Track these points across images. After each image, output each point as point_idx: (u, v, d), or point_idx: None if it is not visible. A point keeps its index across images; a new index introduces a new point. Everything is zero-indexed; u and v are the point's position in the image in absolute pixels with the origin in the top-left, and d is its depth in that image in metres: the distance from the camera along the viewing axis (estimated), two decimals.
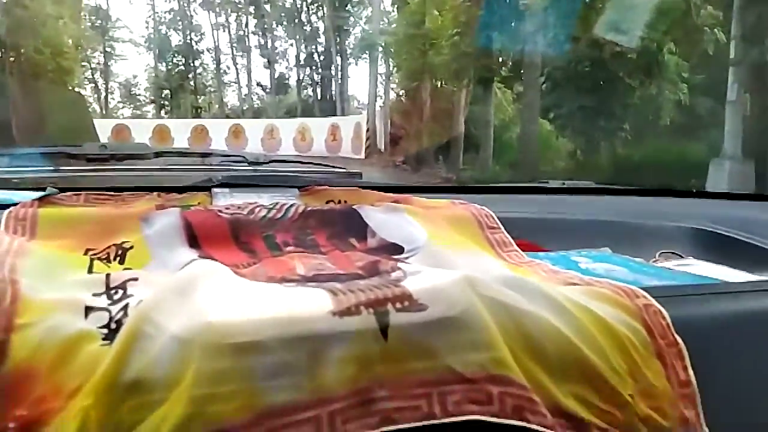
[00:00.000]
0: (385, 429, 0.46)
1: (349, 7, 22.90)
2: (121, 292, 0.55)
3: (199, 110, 23.66)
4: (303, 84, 24.95)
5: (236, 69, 24.82)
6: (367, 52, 17.38)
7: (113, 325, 0.49)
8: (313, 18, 23.85)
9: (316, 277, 0.61)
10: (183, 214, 0.75)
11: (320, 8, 23.34)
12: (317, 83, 24.36)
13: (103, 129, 15.20)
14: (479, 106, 12.83)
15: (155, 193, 0.85)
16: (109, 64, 22.94)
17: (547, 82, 10.48)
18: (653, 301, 0.60)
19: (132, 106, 24.26)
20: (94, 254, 0.67)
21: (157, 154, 0.88)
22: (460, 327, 0.50)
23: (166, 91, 23.67)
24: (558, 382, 0.52)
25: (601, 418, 0.52)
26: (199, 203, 0.86)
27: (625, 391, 0.53)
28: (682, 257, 0.90)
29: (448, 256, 0.70)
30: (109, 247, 0.69)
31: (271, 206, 0.81)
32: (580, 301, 0.58)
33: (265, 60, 24.75)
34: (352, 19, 23.22)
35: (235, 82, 25.24)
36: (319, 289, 0.52)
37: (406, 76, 14.78)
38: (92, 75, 21.97)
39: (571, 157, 10.59)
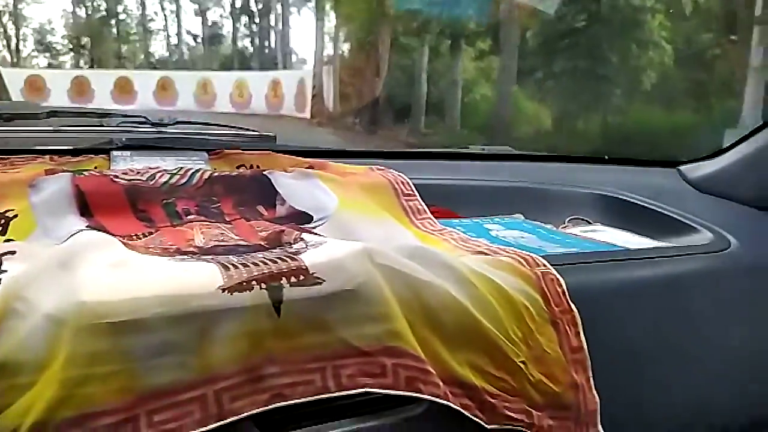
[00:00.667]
0: (276, 405, 0.45)
1: None
2: None
3: (122, 60, 21.12)
4: (239, 34, 22.64)
5: (164, 16, 22.17)
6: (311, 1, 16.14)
7: None
8: None
9: (213, 249, 0.58)
10: (75, 179, 0.70)
11: None
12: (255, 34, 22.05)
13: (15, 80, 14.04)
14: (442, 63, 11.82)
15: (47, 157, 0.79)
16: (19, 7, 19.93)
17: (530, 41, 9.54)
18: (552, 269, 0.61)
19: (48, 55, 21.27)
20: None
21: (51, 114, 0.81)
22: (357, 300, 0.49)
23: (86, 39, 20.84)
24: (454, 351, 0.52)
25: (493, 384, 0.53)
26: (95, 167, 0.80)
27: (517, 358, 0.54)
28: (590, 223, 0.93)
29: (355, 225, 0.69)
30: None
31: (174, 171, 0.77)
32: (481, 270, 0.58)
33: (196, 6, 22.41)
34: None
35: (163, 30, 22.92)
36: (212, 264, 0.50)
37: (360, 28, 13.60)
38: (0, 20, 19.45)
39: (554, 126, 9.49)
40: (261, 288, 0.47)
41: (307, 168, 0.86)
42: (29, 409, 0.40)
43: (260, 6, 21.72)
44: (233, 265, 0.50)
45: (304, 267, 0.50)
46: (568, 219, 0.93)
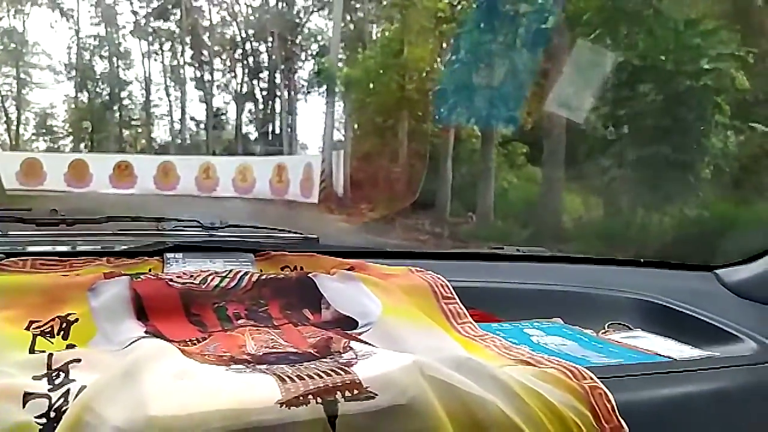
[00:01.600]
0: None
1: (300, 39, 20.82)
2: (62, 375, 0.53)
3: (123, 145, 20.82)
4: (243, 120, 22.41)
5: (169, 101, 21.81)
6: (324, 85, 15.32)
7: (52, 414, 0.47)
8: (261, 48, 21.60)
9: (265, 358, 0.60)
10: (132, 284, 0.74)
11: (267, 39, 20.96)
12: (261, 119, 21.83)
13: (12, 162, 14.30)
14: (468, 146, 11.00)
15: (105, 259, 0.83)
16: (22, 92, 19.97)
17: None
18: (599, 383, 0.61)
19: (48, 138, 21.22)
20: (38, 327, 0.65)
21: (109, 219, 0.87)
22: (409, 415, 0.50)
23: (87, 123, 20.78)
24: None
25: None
26: (150, 270, 0.84)
27: None
28: (630, 329, 0.92)
29: (400, 333, 0.70)
30: (53, 319, 0.67)
31: (224, 274, 0.81)
32: (529, 384, 0.59)
33: (201, 93, 22.09)
34: (303, 51, 21.00)
35: (166, 115, 22.16)
36: (268, 375, 0.52)
37: (376, 111, 13.11)
38: (2, 102, 19.34)
39: (611, 221, 7.89)
40: (317, 402, 0.48)
41: (348, 269, 0.89)
42: None
43: (265, 92, 21.75)
44: (289, 377, 0.51)
45: (357, 381, 0.51)
46: (607, 324, 0.93)
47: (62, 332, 0.65)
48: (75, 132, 20.78)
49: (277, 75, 20.61)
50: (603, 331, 0.92)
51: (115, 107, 21.20)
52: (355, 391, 0.50)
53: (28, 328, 0.65)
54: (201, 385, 0.50)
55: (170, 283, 0.76)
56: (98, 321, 0.68)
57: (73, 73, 20.30)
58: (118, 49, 20.64)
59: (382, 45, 12.97)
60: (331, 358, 0.59)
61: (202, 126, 22.25)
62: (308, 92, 20.62)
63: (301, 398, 0.48)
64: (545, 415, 0.56)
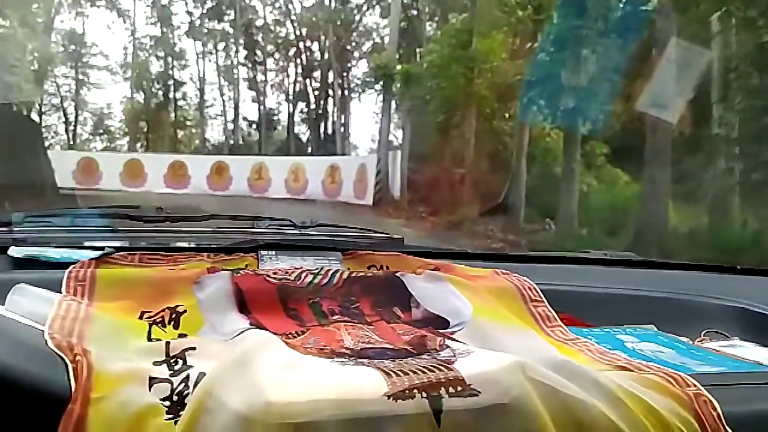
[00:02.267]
0: None
1: (354, 36, 19.97)
2: (180, 362, 0.56)
3: (178, 145, 20.41)
4: (296, 119, 21.51)
5: (222, 101, 21.40)
6: (380, 83, 14.41)
7: (175, 398, 0.51)
8: (314, 47, 20.73)
9: (364, 352, 0.62)
10: (233, 278, 0.77)
11: (321, 38, 20.12)
12: (314, 119, 20.91)
13: (69, 161, 14.48)
14: (545, 146, 9.93)
15: (205, 255, 0.88)
16: (80, 92, 19.95)
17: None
18: (703, 391, 0.59)
19: (105, 138, 21.22)
20: (149, 317, 0.70)
21: (210, 217, 0.91)
22: (512, 414, 0.50)
23: (143, 124, 20.62)
24: None
25: None
26: (246, 265, 0.88)
27: None
28: (728, 337, 0.89)
29: (494, 334, 0.70)
30: (163, 310, 0.71)
31: (317, 271, 0.83)
32: (630, 388, 0.58)
33: (254, 93, 21.46)
34: (357, 49, 20.13)
35: (220, 116, 21.78)
36: (373, 369, 0.53)
37: (438, 108, 11.94)
38: (61, 103, 19.47)
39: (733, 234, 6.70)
40: (422, 397, 0.50)
41: (433, 269, 0.90)
42: None
43: (318, 92, 21.02)
44: (393, 371, 0.53)
45: (461, 378, 0.52)
46: (703, 332, 0.90)
47: (173, 322, 0.70)
48: (131, 132, 20.79)
49: (331, 74, 19.88)
50: (699, 339, 0.89)
51: (170, 107, 20.84)
52: (459, 388, 0.51)
53: (141, 318, 0.69)
54: (310, 375, 0.52)
55: (267, 278, 0.79)
56: (205, 312, 0.72)
57: (129, 73, 20.07)
58: (173, 49, 20.58)
59: (448, 36, 11.75)
60: (428, 355, 0.60)
61: (254, 126, 22.01)
62: (363, 91, 19.87)
63: (407, 392, 0.50)
64: (649, 421, 0.55)
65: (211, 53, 21.06)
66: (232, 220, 0.96)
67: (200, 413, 0.47)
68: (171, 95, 21.09)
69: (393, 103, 13.93)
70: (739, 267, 1.07)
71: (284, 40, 20.97)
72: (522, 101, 9.19)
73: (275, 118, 22.17)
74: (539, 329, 0.80)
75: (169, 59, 20.65)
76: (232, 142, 21.09)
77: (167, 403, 0.50)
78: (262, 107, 21.49)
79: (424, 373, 0.52)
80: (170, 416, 0.48)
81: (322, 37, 19.91)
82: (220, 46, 20.88)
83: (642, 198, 7.64)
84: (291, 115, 21.47)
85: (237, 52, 20.74)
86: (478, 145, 11.18)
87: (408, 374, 0.52)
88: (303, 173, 14.97)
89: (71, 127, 20.07)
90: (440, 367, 0.54)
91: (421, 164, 12.63)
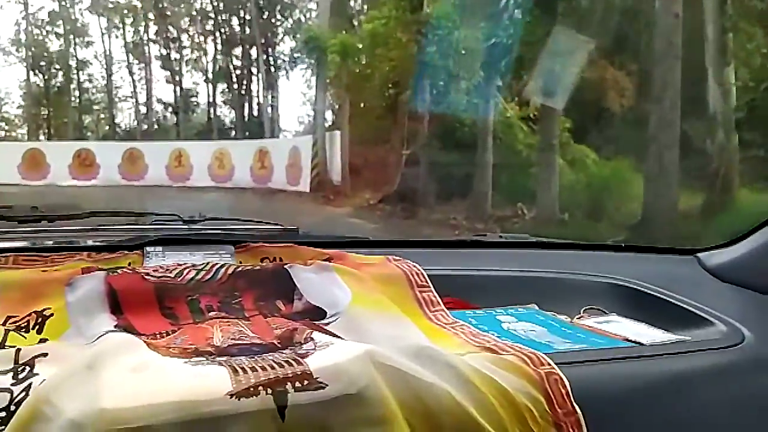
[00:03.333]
0: None
1: (279, 8, 17.79)
2: (27, 369, 0.55)
3: (84, 131, 18.37)
4: (218, 100, 19.30)
5: (133, 82, 18.98)
6: (312, 57, 13.07)
7: (12, 408, 0.49)
8: (234, 20, 18.62)
9: (228, 350, 0.62)
10: (108, 279, 0.76)
11: (241, 10, 18.00)
12: (237, 99, 18.76)
13: None
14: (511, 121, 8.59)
15: (85, 254, 0.85)
16: None
17: None
18: (556, 369, 0.62)
19: (1, 126, 18.63)
20: (14, 322, 0.68)
21: (91, 214, 0.89)
22: (358, 404, 0.52)
23: (43, 109, 18.25)
24: None
25: None
26: (130, 263, 0.86)
27: None
28: (605, 313, 0.93)
29: (365, 322, 0.72)
30: (30, 314, 0.69)
31: (201, 266, 0.82)
32: (485, 371, 0.60)
33: (168, 73, 18.94)
34: (284, 21, 18.07)
35: (130, 98, 19.27)
36: (222, 367, 0.53)
37: (385, 82, 10.80)
38: None
39: None
40: (267, 393, 0.50)
41: (326, 260, 0.90)
42: None
43: (240, 71, 18.82)
44: (242, 368, 0.53)
45: (308, 372, 0.53)
46: (583, 309, 0.94)
47: (37, 326, 0.68)
48: (30, 119, 18.34)
49: (255, 49, 17.77)
50: (578, 316, 0.93)
51: (74, 90, 18.56)
52: (306, 382, 0.51)
53: (4, 323, 0.67)
54: (157, 378, 0.52)
55: (146, 276, 0.78)
56: (72, 315, 0.70)
57: (24, 52, 17.72)
58: (75, 25, 18.23)
59: (393, 0, 10.30)
60: (291, 350, 0.60)
61: (170, 109, 19.63)
62: (292, 67, 18.13)
63: (251, 389, 0.50)
64: (498, 401, 0.57)
65: (117, 28, 18.75)
66: (115, 217, 0.94)
67: (31, 421, 0.46)
68: (74, 76, 18.75)
69: (327, 79, 12.54)
70: (624, 245, 1.12)
71: (200, 12, 18.81)
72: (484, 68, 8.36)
73: (194, 99, 20.10)
74: (421, 314, 0.82)
75: (70, 37, 18.32)
76: (145, 126, 19.02)
77: (3, 414, 0.49)
78: (178, 88, 19.30)
79: (273, 368, 0.53)
80: (2, 428, 0.47)
81: (243, 9, 18.06)
82: (128, 20, 18.62)
83: (648, 178, 6.63)
84: (212, 96, 19.47)
85: (147, 27, 18.70)
86: (433, 121, 9.81)
87: (257, 371, 0.53)
88: (228, 159, 13.65)
89: None
90: (291, 361, 0.54)
91: (364, 146, 11.64)
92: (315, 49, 12.19)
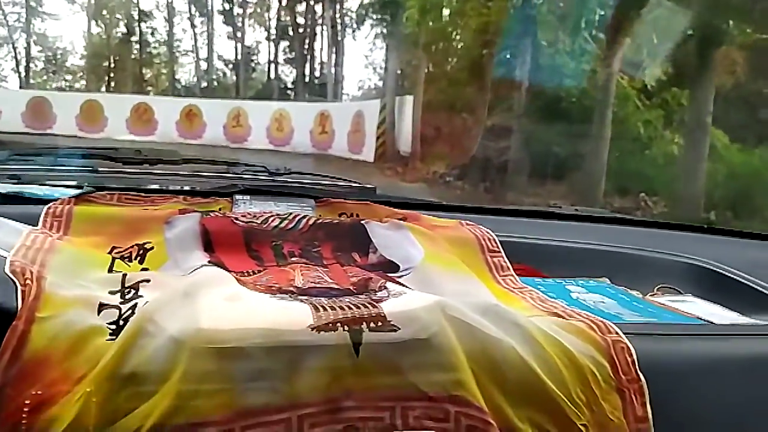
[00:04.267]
0: None
1: None
2: (133, 291, 0.62)
3: (144, 86, 17.63)
4: (279, 59, 18.01)
5: (194, 36, 17.86)
6: (386, 11, 11.54)
7: (121, 322, 0.56)
8: None
9: (309, 291, 0.66)
10: (202, 220, 0.82)
11: None
12: (299, 59, 17.56)
13: (18, 101, 12.93)
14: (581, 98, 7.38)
15: (182, 197, 0.92)
16: (32, 23, 16.87)
17: None
18: (623, 337, 0.63)
19: (61, 77, 18.10)
20: (118, 253, 0.75)
21: (186, 161, 0.96)
22: (428, 349, 0.55)
23: (104, 61, 17.46)
24: (516, 407, 0.56)
25: None
26: (220, 209, 0.93)
27: (578, 421, 0.57)
28: (680, 293, 0.92)
29: (437, 278, 0.75)
30: (132, 246, 0.76)
31: (284, 216, 0.88)
32: (551, 332, 0.62)
33: (230, 29, 17.86)
34: None
35: (191, 52, 18.28)
36: (305, 305, 0.58)
37: (473, 42, 9.32)
38: (10, 35, 16.54)
39: None
40: (344, 330, 0.54)
41: (400, 219, 0.94)
42: (149, 414, 0.49)
43: (303, 28, 17.38)
44: (323, 306, 0.57)
45: (383, 314, 0.56)
46: (657, 287, 0.93)
47: (138, 257, 0.75)
48: (89, 70, 17.51)
49: (320, 5, 16.33)
50: (651, 293, 0.92)
51: (135, 42, 17.74)
52: (380, 323, 0.55)
53: (110, 253, 0.74)
54: (247, 307, 0.57)
55: (235, 221, 0.84)
56: (170, 250, 0.77)
57: (88, 3, 16.72)
58: None
59: None
60: (365, 295, 0.64)
61: (231, 66, 18.56)
62: (359, 25, 16.01)
63: (330, 325, 0.54)
64: (562, 361, 0.59)
65: None
66: (209, 165, 1.00)
67: (137, 335, 0.52)
68: (135, 27, 17.82)
69: (401, 37, 11.16)
70: (705, 227, 1.09)
71: None
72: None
73: (254, 57, 18.92)
74: (490, 277, 0.84)
75: None
76: (205, 83, 18.03)
77: (113, 326, 0.55)
78: (239, 44, 18.12)
79: (350, 309, 0.57)
80: (112, 337, 0.53)
81: None
82: None
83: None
84: (274, 54, 18.11)
85: None
86: (528, 88, 7.93)
87: (335, 309, 0.57)
88: (287, 121, 12.76)
89: (22, 64, 17.04)
90: (367, 304, 0.58)
91: (441, 114, 10.12)
92: (390, 4, 10.94)
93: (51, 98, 13.66)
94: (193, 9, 18.30)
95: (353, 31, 17.32)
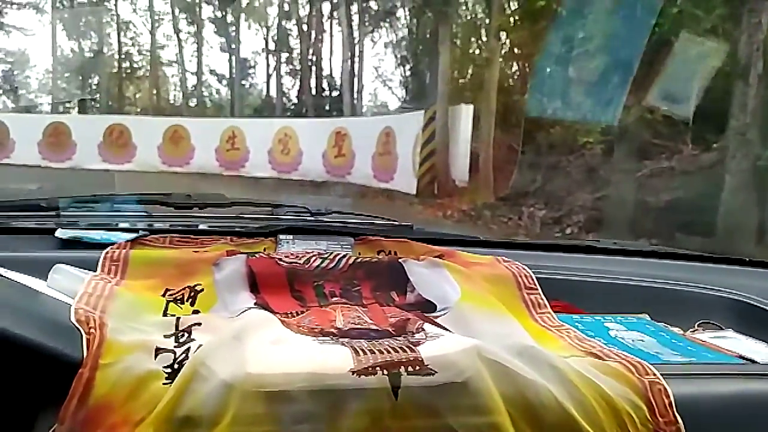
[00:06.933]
0: None
1: None
2: (186, 335, 0.66)
3: (122, 104, 14.83)
4: (282, 70, 14.83)
5: (179, 45, 14.95)
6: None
7: (176, 366, 0.60)
8: None
9: (349, 332, 0.69)
10: (248, 261, 0.86)
11: None
12: (307, 68, 14.26)
13: None
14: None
15: (229, 238, 0.97)
16: None
17: None
18: (660, 379, 0.64)
19: (21, 96, 15.13)
20: (171, 295, 0.79)
21: (233, 203, 1.01)
22: (464, 392, 0.57)
23: (71, 75, 14.42)
24: None
25: None
26: (265, 249, 0.97)
27: None
28: (721, 329, 0.91)
29: (473, 319, 0.76)
30: (184, 288, 0.81)
31: (326, 255, 0.91)
32: (587, 373, 0.63)
33: (223, 40, 14.87)
34: None
35: (176, 63, 15.41)
36: (346, 348, 0.61)
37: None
38: None
39: None
40: (383, 374, 0.57)
41: (437, 257, 0.96)
42: None
43: (309, 25, 13.91)
44: (362, 350, 0.60)
45: (420, 358, 0.59)
46: (698, 323, 0.92)
47: (190, 299, 0.79)
48: (55, 87, 14.19)
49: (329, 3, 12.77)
50: (692, 329, 0.92)
51: (108, 53, 14.63)
52: (417, 368, 0.57)
53: (164, 295, 0.79)
54: (291, 351, 0.60)
55: (279, 262, 0.88)
56: (219, 291, 0.81)
57: (56, 13, 13.69)
58: None
59: None
60: (404, 337, 0.67)
61: (225, 80, 15.45)
62: (378, 24, 12.63)
63: (370, 369, 0.57)
64: (599, 404, 0.60)
65: None
66: (253, 207, 1.05)
67: (191, 380, 0.55)
68: (111, 36, 14.65)
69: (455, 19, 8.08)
70: (747, 260, 1.08)
71: None
72: None
73: (252, 66, 15.54)
74: (527, 315, 0.85)
75: None
76: (194, 101, 15.16)
77: (168, 370, 0.59)
78: (233, 52, 15.00)
79: (389, 353, 0.59)
80: (168, 381, 0.57)
81: None
82: None
83: None
84: (276, 61, 14.54)
85: None
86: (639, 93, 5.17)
87: (375, 353, 0.59)
88: (294, 141, 10.33)
89: None
90: (405, 348, 0.61)
91: (515, 134, 7.13)
92: None
93: (8, 122, 11.53)
94: (178, 12, 15.13)
95: (372, 30, 12.97)
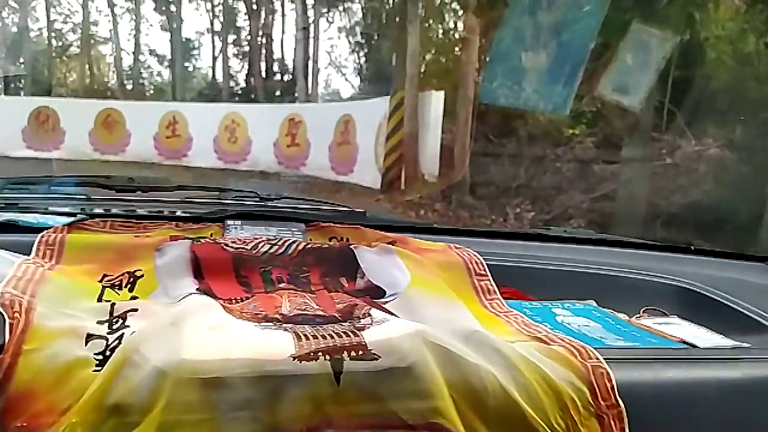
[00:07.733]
0: None
1: None
2: (120, 321, 0.63)
3: (52, 85, 13.44)
4: (230, 51, 13.69)
5: (114, 24, 13.66)
6: None
7: (108, 353, 0.57)
8: None
9: (294, 318, 0.67)
10: (192, 247, 0.83)
11: None
12: (258, 49, 12.95)
13: None
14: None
15: (173, 223, 0.94)
16: None
17: None
18: (603, 363, 0.64)
19: None
20: (109, 281, 0.76)
21: (178, 187, 0.98)
22: (407, 377, 0.56)
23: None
24: None
25: None
26: (211, 234, 0.94)
27: None
28: (666, 315, 0.93)
29: (421, 304, 0.76)
30: (123, 274, 0.78)
31: (274, 241, 0.89)
32: (531, 358, 0.63)
33: (164, 18, 13.60)
34: None
35: (110, 40, 14.04)
36: (288, 333, 0.59)
37: None
38: None
39: None
40: (325, 359, 0.55)
41: (390, 243, 0.95)
42: None
43: (259, 6, 12.68)
44: (305, 335, 0.58)
45: (364, 343, 0.57)
46: (643, 309, 0.94)
47: (129, 285, 0.76)
48: None
49: None
50: (637, 316, 0.93)
51: (34, 28, 13.22)
52: (360, 352, 0.56)
53: (101, 281, 0.76)
54: (230, 337, 0.58)
55: (225, 247, 0.85)
56: (160, 277, 0.78)
57: None
58: None
59: None
60: (349, 323, 0.65)
61: (165, 62, 14.20)
62: (338, 1, 11.59)
63: (311, 354, 0.55)
64: (542, 388, 0.60)
65: None
66: (200, 191, 1.02)
67: (123, 366, 0.53)
68: (35, 11, 13.02)
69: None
70: (692, 248, 1.11)
71: None
72: None
73: (197, 48, 14.19)
74: (477, 301, 0.85)
75: None
76: (131, 83, 13.79)
77: (100, 357, 0.56)
78: (176, 32, 13.61)
79: (332, 338, 0.58)
80: (99, 368, 0.54)
81: None
82: None
83: None
84: (222, 41, 13.27)
85: None
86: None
87: (318, 338, 0.58)
88: (243, 129, 9.40)
89: None
90: (349, 333, 0.59)
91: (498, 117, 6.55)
92: None
93: None
94: None
95: (328, 9, 11.89)
